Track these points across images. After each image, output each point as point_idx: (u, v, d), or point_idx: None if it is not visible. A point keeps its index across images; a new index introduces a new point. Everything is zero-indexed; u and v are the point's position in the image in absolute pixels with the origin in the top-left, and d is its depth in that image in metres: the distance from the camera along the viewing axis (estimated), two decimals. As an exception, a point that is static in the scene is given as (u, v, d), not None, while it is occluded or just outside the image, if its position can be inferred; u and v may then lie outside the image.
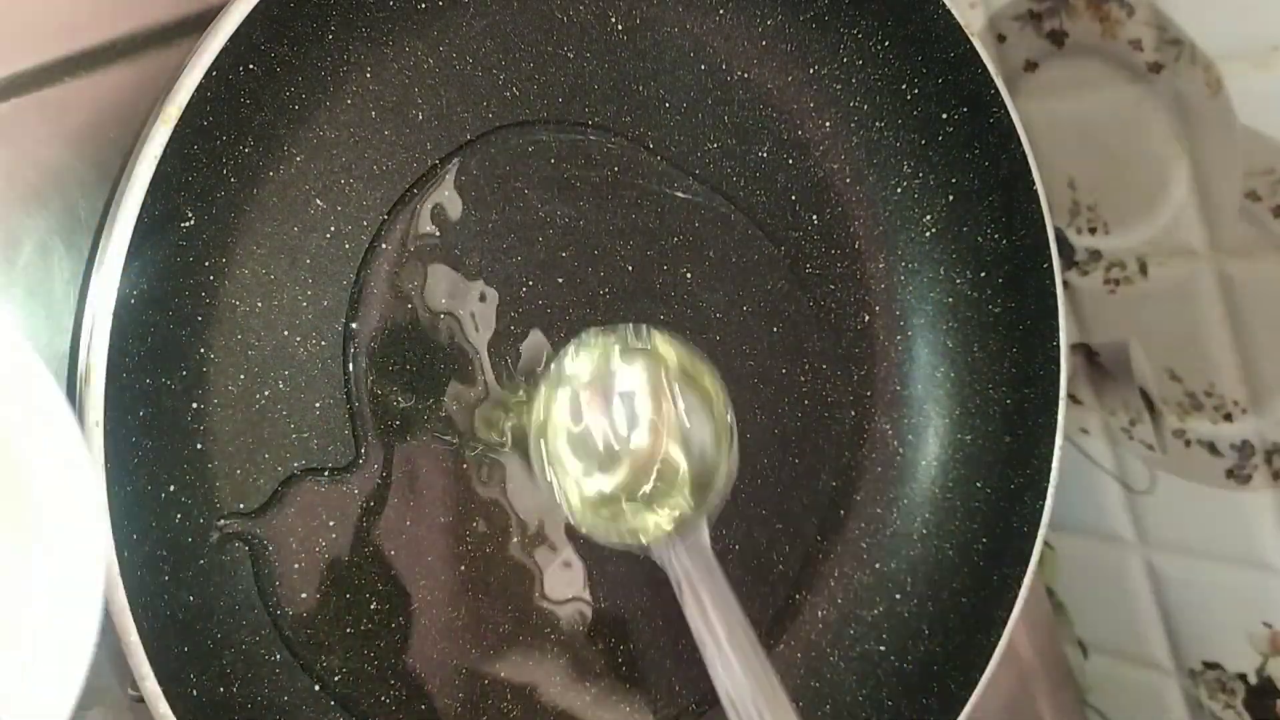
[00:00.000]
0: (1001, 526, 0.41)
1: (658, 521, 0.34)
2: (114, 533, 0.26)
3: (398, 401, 0.33)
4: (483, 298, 0.35)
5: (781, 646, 0.40)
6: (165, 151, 0.27)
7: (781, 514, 0.40)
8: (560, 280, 0.36)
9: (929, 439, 0.43)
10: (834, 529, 0.41)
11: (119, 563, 0.26)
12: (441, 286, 0.34)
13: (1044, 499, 0.41)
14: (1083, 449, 0.52)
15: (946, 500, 0.42)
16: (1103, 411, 0.50)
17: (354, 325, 0.33)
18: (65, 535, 0.22)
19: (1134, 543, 0.51)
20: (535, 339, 0.35)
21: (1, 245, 0.30)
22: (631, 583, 0.37)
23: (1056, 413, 0.41)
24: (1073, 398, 0.50)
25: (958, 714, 0.39)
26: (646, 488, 0.35)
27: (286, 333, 0.32)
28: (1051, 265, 0.40)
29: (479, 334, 0.35)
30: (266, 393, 0.31)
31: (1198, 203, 0.43)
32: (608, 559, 0.37)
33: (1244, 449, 0.45)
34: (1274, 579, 0.47)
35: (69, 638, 0.21)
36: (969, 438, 0.42)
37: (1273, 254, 0.41)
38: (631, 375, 0.35)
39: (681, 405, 0.35)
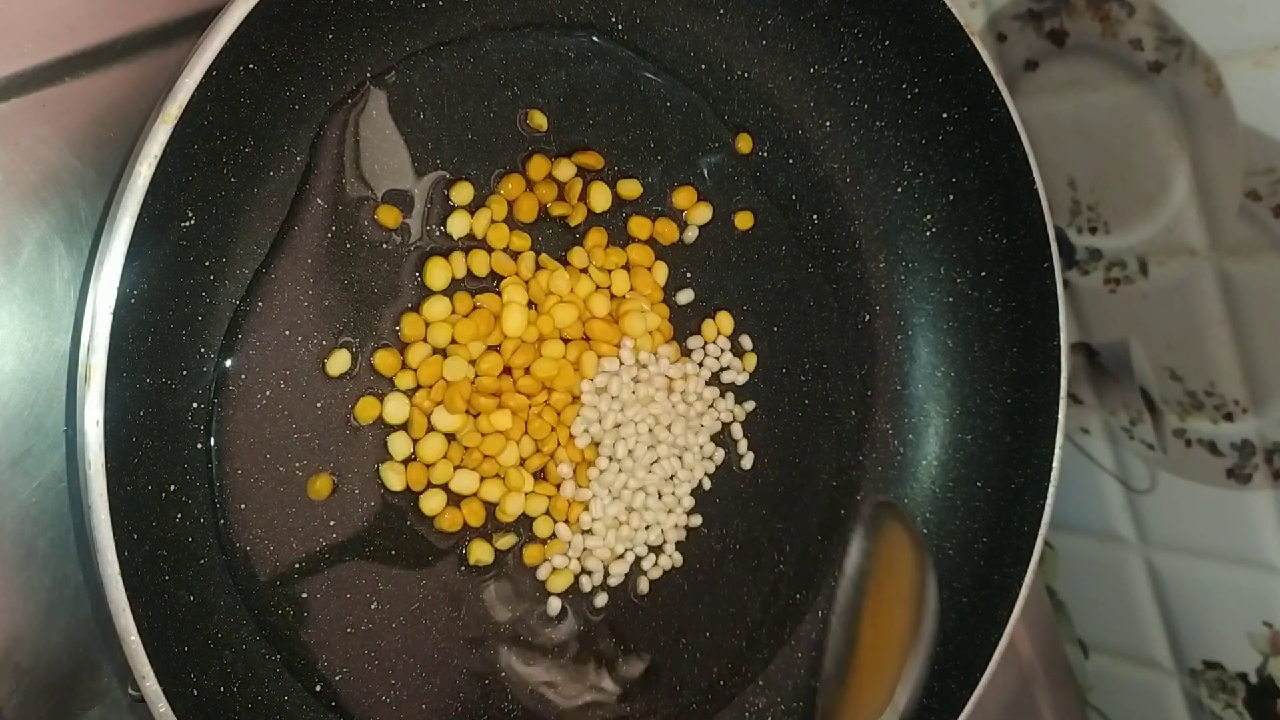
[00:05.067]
0: (1002, 526, 0.41)
1: None
2: (114, 533, 0.26)
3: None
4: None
5: (782, 646, 0.40)
6: (165, 151, 0.27)
7: (782, 514, 0.40)
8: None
9: (929, 439, 0.43)
10: (834, 529, 0.41)
11: (119, 563, 0.26)
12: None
13: (1044, 499, 0.41)
14: (1083, 449, 0.52)
15: (946, 500, 0.42)
16: (1103, 411, 0.50)
17: (354, 326, 0.33)
18: None
19: (1134, 542, 0.51)
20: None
21: (2, 245, 0.30)
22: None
23: (1056, 412, 0.41)
24: (1073, 397, 0.50)
25: (958, 714, 0.39)
26: None
27: (288, 332, 0.32)
28: (1052, 265, 0.40)
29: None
30: (268, 393, 0.31)
31: (1198, 203, 0.43)
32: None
33: (1244, 449, 0.45)
34: (1274, 579, 0.47)
35: None
36: (969, 437, 0.42)
37: (1273, 254, 0.41)
38: None
39: None
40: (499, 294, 0.35)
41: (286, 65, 0.31)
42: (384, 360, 0.33)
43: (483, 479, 0.34)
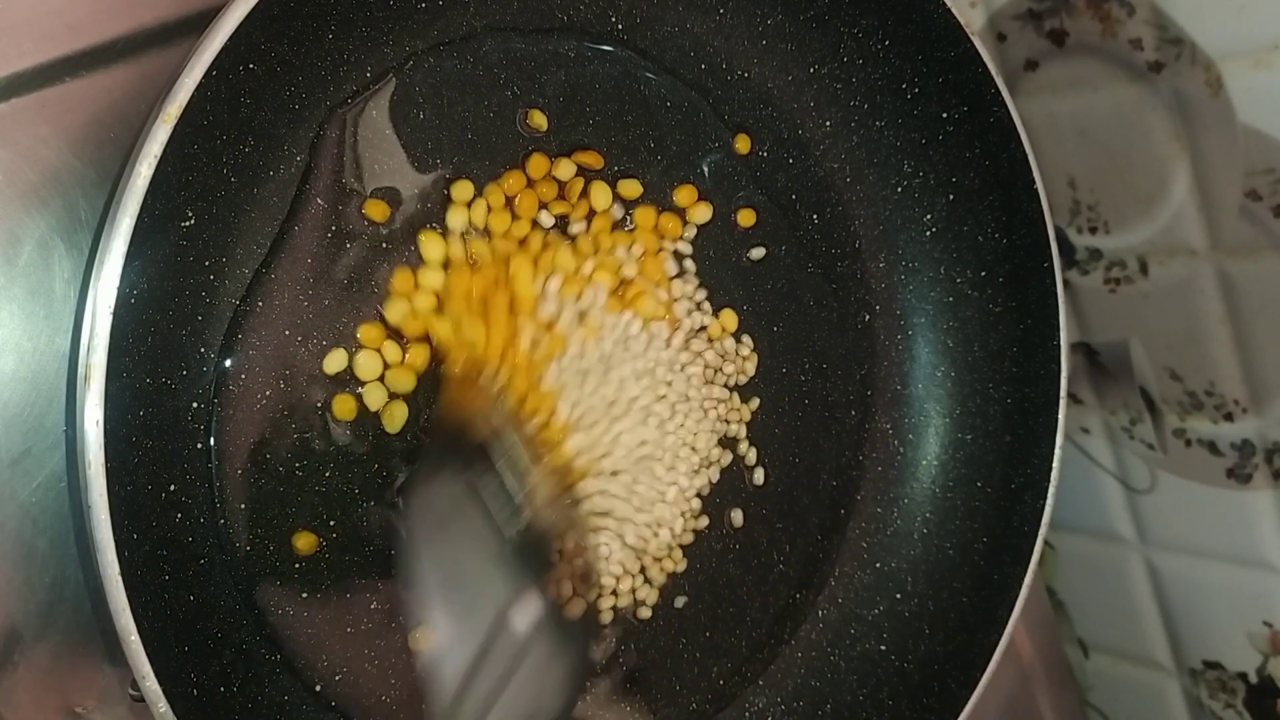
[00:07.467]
0: (1002, 526, 0.41)
1: None
2: (114, 533, 0.26)
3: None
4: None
5: (782, 646, 0.40)
6: (165, 151, 0.27)
7: (782, 513, 0.40)
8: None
9: (929, 439, 0.43)
10: (834, 529, 0.41)
11: (119, 563, 0.26)
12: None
13: (1044, 499, 0.41)
14: (1083, 448, 0.52)
15: (946, 500, 0.42)
16: (1103, 411, 0.50)
17: (354, 325, 0.33)
18: None
19: (1134, 542, 0.51)
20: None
21: (2, 245, 0.30)
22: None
23: (1056, 412, 0.41)
24: (1073, 397, 0.50)
25: (958, 714, 0.39)
26: None
27: (288, 332, 0.32)
28: (1052, 264, 0.40)
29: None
30: (268, 393, 0.31)
31: (1198, 202, 0.43)
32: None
33: (1244, 448, 0.45)
34: (1274, 579, 0.47)
35: None
36: (969, 437, 0.42)
37: (1273, 254, 0.41)
38: None
39: None
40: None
41: (286, 65, 0.31)
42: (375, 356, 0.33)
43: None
